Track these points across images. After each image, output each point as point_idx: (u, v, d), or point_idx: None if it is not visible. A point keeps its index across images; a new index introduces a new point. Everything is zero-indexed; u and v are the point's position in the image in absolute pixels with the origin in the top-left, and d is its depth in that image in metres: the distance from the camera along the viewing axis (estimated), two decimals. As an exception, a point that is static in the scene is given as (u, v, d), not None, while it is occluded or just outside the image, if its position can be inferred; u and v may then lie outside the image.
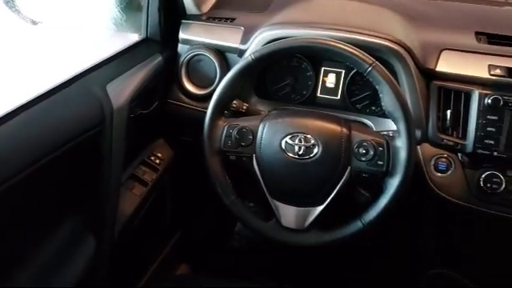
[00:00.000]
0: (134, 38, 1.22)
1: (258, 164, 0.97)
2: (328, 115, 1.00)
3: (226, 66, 1.17)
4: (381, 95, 0.92)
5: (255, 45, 1.10)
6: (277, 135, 0.95)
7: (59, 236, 0.91)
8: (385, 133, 0.98)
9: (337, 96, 1.17)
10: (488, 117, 0.97)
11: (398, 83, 1.03)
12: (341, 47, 0.92)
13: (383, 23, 1.12)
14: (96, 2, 1.21)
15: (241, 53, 1.14)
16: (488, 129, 0.97)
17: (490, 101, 0.96)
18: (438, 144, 1.02)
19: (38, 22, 1.14)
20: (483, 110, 0.98)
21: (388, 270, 1.47)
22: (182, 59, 1.20)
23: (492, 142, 0.98)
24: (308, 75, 1.18)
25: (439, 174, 1.02)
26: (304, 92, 1.19)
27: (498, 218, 0.99)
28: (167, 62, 1.19)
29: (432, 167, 1.03)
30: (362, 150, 0.92)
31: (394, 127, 0.93)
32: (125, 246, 1.14)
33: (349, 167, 0.93)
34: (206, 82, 1.20)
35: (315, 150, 0.94)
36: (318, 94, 1.18)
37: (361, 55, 0.91)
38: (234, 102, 1.05)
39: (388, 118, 0.95)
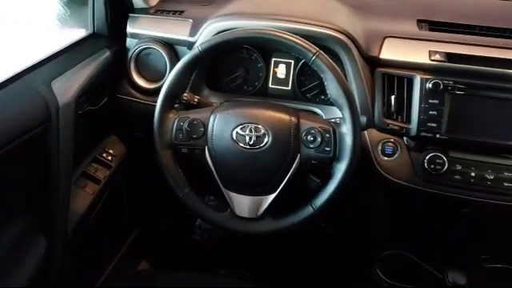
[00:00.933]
0: (81, 33, 1.20)
1: (210, 156, 0.98)
2: (277, 105, 1.02)
3: (175, 59, 1.16)
4: (326, 83, 0.94)
5: (204, 37, 1.11)
6: (228, 126, 0.96)
7: (7, 236, 0.89)
8: (332, 120, 1.01)
9: (288, 86, 1.19)
10: (429, 101, 1.01)
11: (344, 71, 1.06)
12: (285, 37, 0.93)
13: (329, 13, 1.14)
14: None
15: (190, 45, 1.14)
16: (430, 112, 1.01)
17: (430, 85, 1.00)
18: (384, 129, 1.06)
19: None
20: (425, 95, 1.01)
21: (345, 253, 1.52)
22: (130, 53, 1.19)
23: (434, 125, 1.01)
24: (259, 66, 1.19)
25: (386, 158, 1.06)
26: (256, 83, 1.20)
27: (443, 197, 1.03)
28: (116, 56, 1.18)
29: (379, 151, 1.06)
30: (310, 138, 0.95)
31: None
32: (80, 244, 1.13)
33: (298, 155, 0.95)
34: (156, 75, 1.19)
35: (265, 140, 0.95)
36: (270, 85, 1.20)
37: (304, 44, 0.93)
38: (185, 94, 1.05)
39: None
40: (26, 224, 0.94)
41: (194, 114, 0.99)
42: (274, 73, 1.19)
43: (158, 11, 1.23)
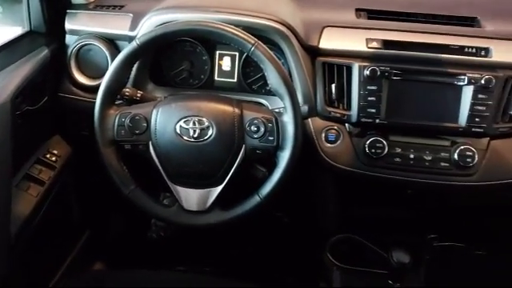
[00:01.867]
0: (17, 31, 1.16)
1: (154, 151, 0.97)
2: (220, 97, 1.02)
3: (117, 55, 1.13)
4: (266, 74, 0.96)
5: (144, 30, 1.10)
6: (171, 120, 0.96)
7: None
8: (277, 110, 1.02)
9: (234, 79, 1.20)
10: (368, 87, 1.04)
11: (286, 62, 1.08)
12: (223, 29, 0.93)
13: (269, 5, 1.15)
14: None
15: (130, 40, 1.11)
16: (369, 98, 1.04)
17: (368, 72, 1.03)
18: (327, 117, 1.08)
19: None
20: (363, 81, 1.04)
21: (300, 240, 1.55)
22: (70, 50, 1.16)
23: (374, 111, 1.04)
24: (204, 59, 1.19)
25: (329, 145, 1.08)
26: (202, 76, 1.20)
27: (385, 179, 1.07)
28: (55, 54, 1.15)
29: (323, 139, 1.08)
30: (254, 128, 0.96)
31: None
32: (27, 248, 1.10)
33: (243, 145, 0.96)
34: (98, 72, 1.17)
35: (210, 132, 0.95)
36: (216, 78, 1.20)
37: (243, 36, 0.93)
38: (127, 90, 1.04)
39: None
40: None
41: (135, 109, 0.98)
42: (220, 65, 1.19)
43: (98, 6, 1.21)
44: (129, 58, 0.96)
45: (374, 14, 1.17)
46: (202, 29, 0.94)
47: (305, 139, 1.05)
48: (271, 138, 0.95)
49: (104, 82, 0.97)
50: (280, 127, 0.95)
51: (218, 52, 1.18)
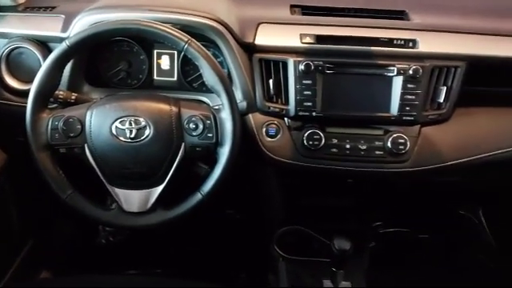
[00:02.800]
0: None
1: (90, 153, 0.95)
2: (156, 95, 1.02)
3: None
4: (201, 71, 0.96)
5: (76, 31, 1.07)
6: (106, 121, 0.94)
7: None
8: (216, 107, 1.03)
9: (173, 77, 1.19)
10: (303, 82, 1.06)
11: (224, 59, 1.08)
12: (155, 27, 0.93)
13: (204, 3, 1.15)
14: None
15: (62, 41, 1.09)
16: (305, 92, 1.07)
17: (302, 67, 1.05)
18: (266, 112, 1.10)
19: None
20: (298, 76, 1.06)
21: (247, 233, 1.57)
22: (0, 54, 1.12)
23: (310, 104, 1.07)
24: (141, 59, 1.18)
25: (270, 139, 1.10)
26: (140, 76, 1.19)
27: (323, 170, 1.10)
28: None
29: (264, 134, 1.10)
30: (192, 125, 0.96)
31: None
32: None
33: (183, 143, 0.96)
34: (31, 75, 1.10)
35: (147, 132, 0.95)
36: (155, 77, 1.19)
37: (175, 33, 0.93)
38: (60, 92, 1.01)
39: None
40: None
41: (69, 112, 0.96)
42: (158, 64, 1.19)
43: (28, 8, 1.17)
44: (59, 59, 0.94)
45: (307, 10, 1.20)
46: (133, 27, 0.93)
47: (246, 134, 1.07)
48: (210, 135, 0.96)
49: (34, 85, 0.94)
50: (218, 124, 0.96)
51: (155, 51, 1.17)
